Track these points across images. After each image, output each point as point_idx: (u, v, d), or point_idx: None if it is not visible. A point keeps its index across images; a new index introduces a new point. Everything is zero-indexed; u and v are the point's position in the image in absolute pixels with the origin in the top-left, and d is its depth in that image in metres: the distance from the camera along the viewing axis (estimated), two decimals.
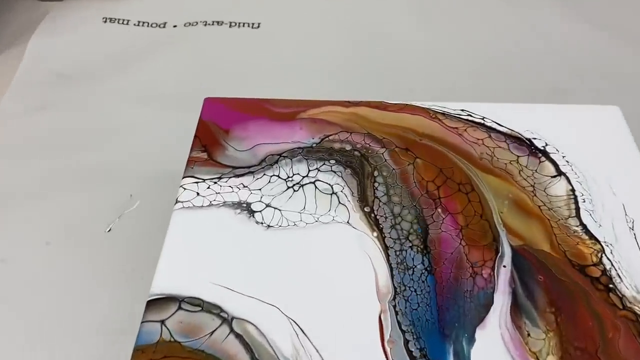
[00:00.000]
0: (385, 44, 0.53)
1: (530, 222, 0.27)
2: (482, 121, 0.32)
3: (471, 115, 0.32)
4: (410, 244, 0.27)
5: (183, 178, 0.30)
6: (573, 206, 0.28)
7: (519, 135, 0.31)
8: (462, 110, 0.33)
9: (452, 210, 0.28)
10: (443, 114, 0.33)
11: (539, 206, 0.28)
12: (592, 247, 0.26)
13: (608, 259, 0.26)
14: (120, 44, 0.55)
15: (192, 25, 0.56)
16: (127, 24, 0.56)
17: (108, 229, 0.39)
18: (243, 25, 0.56)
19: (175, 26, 0.56)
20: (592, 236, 0.27)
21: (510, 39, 0.53)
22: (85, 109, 0.48)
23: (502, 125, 0.32)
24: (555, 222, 0.27)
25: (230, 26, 0.56)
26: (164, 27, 0.56)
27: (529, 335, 0.23)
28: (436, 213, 0.28)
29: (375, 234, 0.27)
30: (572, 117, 0.32)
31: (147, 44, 0.55)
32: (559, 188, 0.29)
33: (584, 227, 0.27)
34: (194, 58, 0.53)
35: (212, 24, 0.56)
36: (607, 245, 0.26)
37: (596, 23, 0.53)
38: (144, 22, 0.56)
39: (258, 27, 0.56)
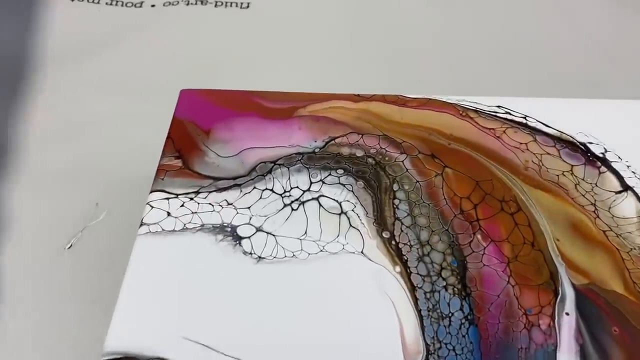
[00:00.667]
0: (392, 27, 0.47)
1: (595, 252, 0.21)
2: (524, 120, 0.26)
3: (510, 113, 0.26)
4: (445, 283, 0.21)
5: (150, 192, 0.24)
6: None
7: (571, 139, 0.25)
8: (499, 106, 0.27)
9: (496, 236, 0.22)
10: (475, 111, 0.26)
11: (604, 231, 0.22)
12: None
13: None
14: (90, 26, 0.47)
15: (173, 4, 0.49)
16: (98, 2, 0.49)
17: (68, 246, 0.33)
18: (230, 5, 0.49)
19: (153, 5, 0.49)
20: None
21: (537, 24, 0.47)
22: (46, 101, 0.41)
23: (549, 126, 0.26)
24: (626, 253, 0.21)
25: (215, 5, 0.49)
26: (140, 6, 0.49)
27: None
28: (475, 240, 0.22)
29: (398, 268, 0.21)
30: (631, 116, 0.26)
31: (121, 26, 0.48)
32: (627, 207, 0.23)
33: None
34: (174, 42, 0.46)
35: (195, 3, 0.49)
36: None
37: (638, 6, 0.47)
38: (117, 1, 0.49)
39: (247, 6, 0.49)
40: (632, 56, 0.43)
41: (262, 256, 0.21)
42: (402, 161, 0.24)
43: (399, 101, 0.27)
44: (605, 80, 0.43)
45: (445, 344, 0.19)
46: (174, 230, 0.22)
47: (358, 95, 0.27)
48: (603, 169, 0.24)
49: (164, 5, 0.49)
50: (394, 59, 0.43)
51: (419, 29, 0.46)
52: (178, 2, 0.49)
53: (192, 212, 0.23)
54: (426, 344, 0.19)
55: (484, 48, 0.45)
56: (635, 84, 0.42)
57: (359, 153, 0.25)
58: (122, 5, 0.49)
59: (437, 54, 0.44)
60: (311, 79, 0.41)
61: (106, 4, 0.49)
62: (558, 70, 0.43)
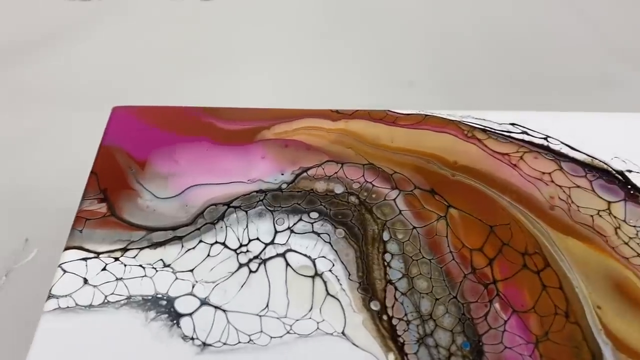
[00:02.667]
0: (375, 19, 0.41)
1: None
2: (546, 142, 0.21)
3: (527, 133, 0.21)
4: None
5: (64, 250, 0.18)
6: None
7: (606, 166, 0.20)
8: (513, 124, 0.21)
9: (518, 305, 0.17)
10: (484, 130, 0.21)
11: None
12: None
13: None
14: (33, 22, 0.41)
15: None
16: None
17: None
18: None
19: None
20: None
21: (543, 15, 0.41)
22: None
23: (576, 150, 0.20)
24: None
25: None
26: None
27: None
28: (492, 312, 0.17)
29: (391, 356, 0.16)
30: None
31: (68, 21, 0.41)
32: None
33: None
34: (126, 40, 0.40)
35: None
36: None
37: None
38: None
39: None
40: None
41: (208, 342, 0.16)
42: (394, 199, 0.19)
43: (388, 118, 0.22)
44: (621, 79, 0.38)
45: None
46: (90, 306, 0.16)
47: (337, 111, 0.22)
48: None
49: None
50: (379, 60, 0.38)
51: (405, 25, 0.40)
52: None
53: (117, 279, 0.17)
54: None
55: (483, 44, 0.39)
56: None
57: (339, 189, 0.19)
58: None
59: (432, 51, 0.38)
60: (278, 84, 0.36)
61: None
62: (571, 68, 0.38)
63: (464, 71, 0.38)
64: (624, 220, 0.19)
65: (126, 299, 0.17)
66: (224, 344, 0.16)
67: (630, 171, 0.20)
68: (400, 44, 0.39)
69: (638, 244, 0.18)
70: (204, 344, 0.16)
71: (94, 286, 0.17)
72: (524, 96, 0.37)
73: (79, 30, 0.40)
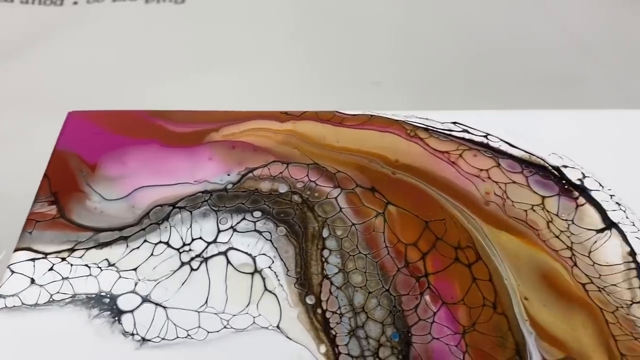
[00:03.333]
0: (343, 22, 0.42)
1: (573, 314, 0.17)
2: (486, 139, 0.21)
3: (468, 131, 0.22)
4: None
5: (14, 252, 0.18)
6: (636, 283, 0.18)
7: (543, 162, 0.21)
8: (455, 122, 0.22)
9: (448, 297, 0.17)
10: (426, 129, 0.22)
11: (584, 285, 0.18)
12: None
13: None
14: (2, 29, 0.42)
15: (98, 1, 0.43)
16: (12, 1, 0.43)
17: None
18: (164, 0, 0.43)
19: (75, 3, 0.43)
20: None
21: (510, 15, 0.42)
22: None
23: (515, 147, 0.21)
24: (611, 314, 0.17)
25: (146, 1, 0.43)
26: (61, 4, 0.43)
27: None
28: (422, 304, 0.17)
29: (323, 348, 0.16)
30: (616, 130, 0.22)
31: (38, 27, 0.42)
32: (611, 250, 0.18)
33: None
34: (98, 45, 0.41)
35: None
36: None
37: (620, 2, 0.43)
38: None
39: (183, 1, 0.43)
40: (615, 52, 0.39)
41: (147, 338, 0.16)
42: (336, 197, 0.20)
43: (335, 119, 0.22)
44: (587, 77, 0.38)
45: None
46: (36, 305, 0.17)
47: (286, 112, 0.22)
48: (581, 200, 0.20)
49: (87, 2, 0.43)
50: (346, 61, 0.38)
51: (373, 27, 0.41)
52: None
53: (63, 278, 0.18)
54: None
55: (450, 43, 0.40)
56: (617, 81, 0.38)
57: (283, 189, 0.20)
58: (39, 4, 0.43)
59: (398, 51, 0.39)
60: (250, 86, 0.36)
61: (21, 2, 0.43)
62: (537, 66, 0.38)
63: (431, 71, 0.38)
64: (557, 214, 0.19)
65: (71, 297, 0.17)
66: (163, 339, 0.16)
67: (566, 167, 0.20)
68: (368, 44, 0.39)
69: (568, 236, 0.19)
70: (143, 339, 0.16)
71: (41, 286, 0.17)
72: (490, 95, 0.38)
73: (51, 35, 0.40)
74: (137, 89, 0.36)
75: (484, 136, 0.21)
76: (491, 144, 0.21)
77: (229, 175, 0.20)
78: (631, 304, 0.17)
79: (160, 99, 0.35)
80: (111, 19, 0.42)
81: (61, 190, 0.20)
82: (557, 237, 0.19)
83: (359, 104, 0.32)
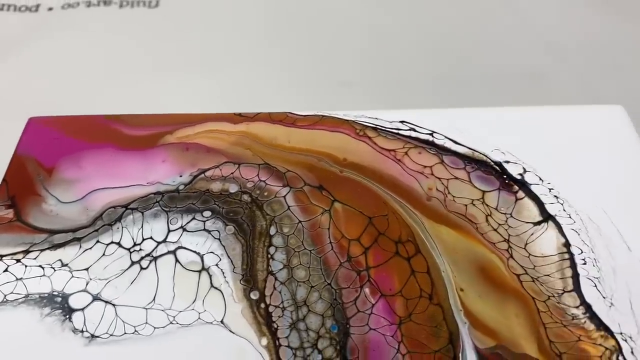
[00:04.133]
0: (314, 23, 0.42)
1: (506, 305, 0.18)
2: (431, 137, 0.22)
3: (415, 130, 0.22)
4: (320, 357, 0.17)
5: None
6: (569, 273, 0.18)
7: (485, 158, 0.21)
8: (403, 122, 0.23)
9: (386, 289, 0.18)
10: (375, 129, 0.22)
11: (518, 275, 0.18)
12: (602, 345, 0.17)
13: None
14: None
15: (72, 6, 0.44)
16: None
17: None
18: (138, 4, 0.44)
19: (50, 9, 0.44)
20: (600, 324, 0.17)
21: (475, 13, 0.43)
22: None
23: (459, 144, 0.22)
24: (542, 303, 0.18)
25: (120, 6, 0.44)
26: (36, 10, 0.44)
27: None
28: (362, 296, 0.18)
29: (264, 341, 0.17)
30: (560, 125, 0.23)
31: (13, 33, 0.42)
32: (546, 242, 0.19)
33: (588, 308, 0.18)
34: (73, 50, 0.41)
35: (98, 4, 0.44)
36: (626, 339, 0.17)
37: None
38: (9, 6, 0.44)
39: (157, 5, 0.44)
40: (578, 49, 0.40)
41: (96, 334, 0.17)
42: (284, 196, 0.20)
43: (288, 120, 0.23)
44: (548, 73, 0.39)
45: None
46: None
47: (239, 114, 0.23)
48: (521, 194, 0.20)
49: (62, 8, 0.44)
50: (315, 62, 0.39)
51: (342, 26, 0.41)
52: (78, 4, 0.44)
53: (17, 279, 0.18)
54: None
55: (417, 42, 0.41)
56: (580, 76, 0.39)
57: (233, 188, 0.21)
58: (14, 10, 0.44)
59: (365, 52, 0.40)
60: (221, 88, 0.37)
61: None
62: (504, 64, 0.39)
63: (398, 70, 0.39)
64: (496, 208, 0.20)
65: (24, 297, 0.18)
66: (111, 335, 0.17)
67: (507, 162, 0.21)
68: (336, 46, 0.40)
69: (506, 229, 0.19)
70: (92, 336, 0.17)
71: None
72: (456, 92, 0.38)
73: (26, 41, 0.41)
74: (106, 93, 0.36)
75: (430, 134, 0.22)
76: (436, 141, 0.22)
77: (181, 176, 0.21)
78: (562, 293, 0.18)
79: (128, 103, 0.35)
80: (86, 24, 0.43)
81: (18, 194, 0.20)
82: (495, 230, 0.19)
83: (326, 104, 0.33)
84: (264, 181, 0.21)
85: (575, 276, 0.18)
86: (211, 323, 0.17)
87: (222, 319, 0.17)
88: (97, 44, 0.41)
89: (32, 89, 0.38)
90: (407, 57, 0.40)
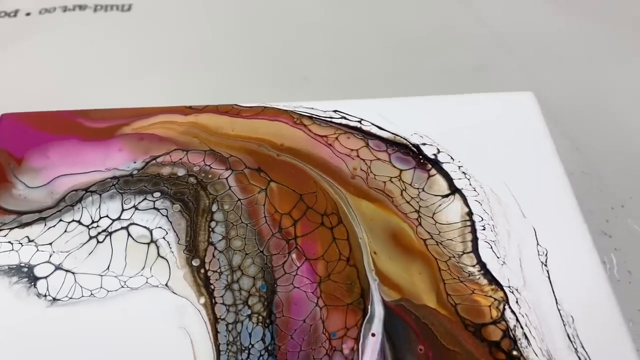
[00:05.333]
0: (278, 25, 0.45)
1: (412, 265, 0.21)
2: (360, 125, 0.25)
3: (346, 118, 0.25)
4: (250, 312, 0.20)
5: None
6: (469, 237, 0.21)
7: (405, 141, 0.24)
8: (335, 111, 0.25)
9: (311, 254, 0.21)
10: (310, 117, 0.25)
11: (425, 240, 0.21)
12: (492, 296, 0.20)
13: (513, 311, 0.19)
14: None
15: (49, 11, 0.46)
16: None
17: None
18: (111, 8, 0.46)
19: (28, 14, 0.46)
20: (492, 279, 0.20)
21: (429, 13, 0.45)
22: None
23: (383, 129, 0.25)
24: (444, 262, 0.21)
25: (95, 10, 0.46)
26: (15, 15, 0.46)
27: None
28: (289, 261, 0.21)
29: (202, 300, 0.20)
30: (472, 111, 0.25)
31: None
32: (452, 212, 0.22)
33: (483, 266, 0.20)
34: (50, 52, 0.44)
35: (73, 9, 0.46)
36: (512, 292, 0.20)
37: None
38: None
39: (129, 9, 0.46)
40: (524, 41, 0.43)
41: (57, 297, 0.20)
42: (226, 178, 0.23)
43: (233, 111, 0.26)
44: (494, 65, 0.42)
45: None
46: None
47: (190, 107, 0.26)
48: (433, 171, 0.23)
49: (39, 13, 0.46)
50: (275, 58, 0.42)
51: (302, 26, 0.44)
52: (55, 9, 0.47)
53: None
54: None
55: (371, 38, 0.44)
56: (524, 68, 0.41)
57: (181, 172, 0.23)
58: None
59: (324, 47, 0.43)
60: (194, 87, 0.40)
61: None
62: (453, 56, 0.42)
63: (355, 65, 0.42)
64: (410, 184, 0.23)
65: None
66: (70, 298, 0.20)
67: (424, 144, 0.24)
68: (295, 43, 0.43)
69: (417, 202, 0.22)
70: (54, 299, 0.20)
71: None
72: (410, 86, 0.41)
73: (6, 45, 0.44)
74: (81, 93, 0.39)
75: (359, 121, 0.25)
76: (363, 127, 0.25)
77: (135, 162, 0.24)
78: (462, 254, 0.21)
79: (101, 101, 0.38)
80: (62, 28, 0.45)
81: None
82: (408, 202, 0.22)
83: (286, 97, 0.35)
84: (209, 165, 0.23)
85: (475, 240, 0.21)
86: (157, 286, 0.20)
87: (167, 283, 0.20)
88: (73, 46, 0.44)
89: (10, 88, 0.41)
90: (363, 53, 0.43)
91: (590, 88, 0.40)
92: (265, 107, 0.26)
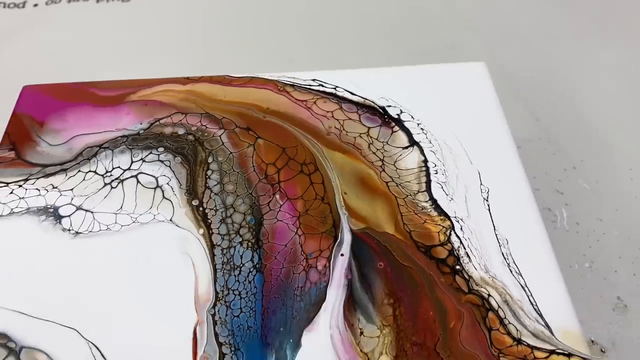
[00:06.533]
0: (263, 9, 0.49)
1: (376, 201, 0.25)
2: (335, 91, 0.29)
3: (323, 85, 0.29)
4: (241, 239, 0.23)
5: None
6: (424, 179, 0.25)
7: (373, 104, 0.28)
8: (314, 80, 0.29)
9: (292, 195, 0.25)
10: (292, 85, 0.29)
11: (387, 182, 0.25)
12: (440, 224, 0.24)
13: (457, 236, 0.23)
14: None
15: (55, 2, 0.50)
16: None
17: None
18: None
19: (36, 5, 0.50)
20: (441, 211, 0.24)
21: None
22: None
23: (355, 94, 0.29)
24: (402, 199, 0.25)
25: (97, 1, 0.50)
26: (23, 6, 0.50)
27: (362, 333, 0.21)
28: (273, 200, 0.25)
29: (201, 231, 0.24)
30: (431, 78, 0.29)
31: (3, 27, 0.49)
32: (411, 160, 0.26)
33: (434, 202, 0.25)
34: (56, 41, 0.48)
35: (77, 0, 0.50)
36: (458, 221, 0.24)
37: None
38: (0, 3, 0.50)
39: (129, 0, 0.50)
40: (490, 22, 0.47)
41: (79, 231, 0.24)
42: (220, 136, 0.27)
43: (225, 81, 0.30)
44: (462, 44, 0.46)
45: (233, 290, 0.22)
46: (1, 216, 0.24)
47: (187, 77, 0.30)
48: (396, 128, 0.27)
49: (46, 4, 0.50)
50: (261, 42, 0.46)
51: (285, 12, 0.48)
52: (60, 0, 0.50)
53: (20, 198, 0.25)
54: (216, 292, 0.22)
55: (352, 21, 0.48)
56: (488, 45, 0.46)
57: (181, 131, 0.27)
58: (3, 7, 0.50)
59: (303, 32, 0.47)
60: (190, 64, 0.44)
61: None
62: (418, 34, 0.46)
63: (336, 49, 0.46)
64: (376, 139, 0.27)
65: (26, 210, 0.24)
66: (90, 231, 0.24)
67: (389, 106, 0.28)
68: (282, 27, 0.47)
69: (382, 153, 0.26)
70: (77, 233, 0.24)
71: (3, 204, 0.25)
72: (382, 59, 0.45)
73: (16, 34, 0.47)
74: (86, 77, 0.43)
75: (334, 88, 0.29)
76: (338, 93, 0.29)
77: (141, 124, 0.27)
78: (417, 193, 0.25)
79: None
80: (67, 18, 0.49)
81: (18, 141, 0.27)
82: (374, 153, 0.26)
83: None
84: (204, 125, 0.27)
85: (428, 182, 0.25)
86: (163, 221, 0.24)
87: (171, 218, 0.24)
88: (77, 35, 0.48)
89: (21, 74, 0.45)
90: (342, 38, 0.47)
91: (549, 64, 0.45)
92: (253, 77, 0.30)
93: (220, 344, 0.21)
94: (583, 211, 0.36)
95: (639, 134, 0.40)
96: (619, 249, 0.34)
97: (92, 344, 0.21)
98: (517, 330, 0.21)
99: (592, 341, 0.30)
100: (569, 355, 0.20)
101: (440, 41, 0.46)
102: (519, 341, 0.20)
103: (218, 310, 0.21)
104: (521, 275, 0.22)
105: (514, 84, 0.43)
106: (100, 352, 0.20)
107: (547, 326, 0.21)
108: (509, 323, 0.21)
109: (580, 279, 0.33)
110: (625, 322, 0.31)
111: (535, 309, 0.21)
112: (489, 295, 0.22)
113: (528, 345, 0.20)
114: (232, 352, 0.20)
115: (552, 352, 0.20)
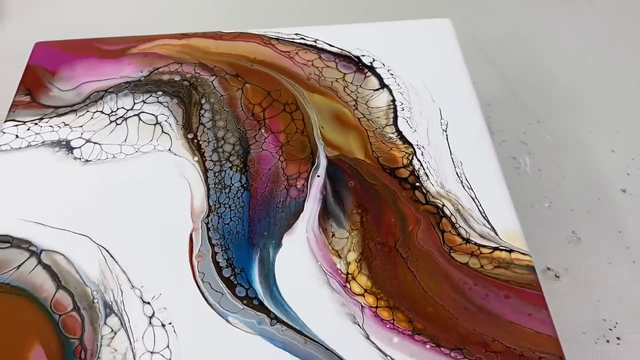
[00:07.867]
0: None
1: (349, 134, 0.28)
2: (315, 43, 0.32)
3: (304, 39, 0.32)
4: (230, 165, 0.27)
5: (4, 122, 0.29)
6: (392, 115, 0.29)
7: (348, 54, 0.32)
8: (296, 34, 0.33)
9: (275, 129, 0.28)
10: (277, 39, 0.32)
11: (359, 118, 0.29)
12: (404, 151, 0.27)
13: (418, 160, 0.27)
14: None
15: None
16: None
17: None
18: None
19: None
20: (405, 141, 0.28)
21: None
22: None
23: (333, 46, 0.32)
24: (372, 132, 0.28)
25: None
26: None
27: (333, 235, 0.24)
28: (259, 134, 0.28)
29: (196, 158, 0.27)
30: (402, 32, 0.33)
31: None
32: (381, 100, 0.30)
33: (399, 133, 0.28)
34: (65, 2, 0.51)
35: None
36: (419, 148, 0.27)
37: None
38: None
39: None
40: None
41: (89, 159, 0.27)
42: (212, 81, 0.30)
43: (216, 36, 0.33)
44: (438, 10, 0.49)
45: (224, 204, 0.25)
46: (20, 148, 0.28)
47: (183, 34, 0.33)
48: (368, 74, 0.31)
49: None
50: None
51: None
52: None
53: (36, 134, 0.28)
54: (209, 205, 0.25)
55: None
56: (462, 13, 0.49)
57: (177, 78, 0.31)
58: None
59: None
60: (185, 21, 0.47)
61: None
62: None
63: (318, 6, 0.49)
64: (351, 82, 0.30)
65: (41, 143, 0.28)
66: (99, 159, 0.27)
67: (363, 55, 0.31)
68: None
69: (355, 94, 0.30)
70: (87, 161, 0.27)
71: (22, 138, 0.28)
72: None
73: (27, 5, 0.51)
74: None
75: (314, 41, 0.32)
76: (317, 45, 0.32)
77: (142, 72, 0.31)
78: (385, 126, 0.28)
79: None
80: None
81: (33, 87, 0.30)
82: (349, 95, 0.30)
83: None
84: (198, 73, 0.31)
85: (395, 117, 0.29)
86: (162, 151, 0.27)
87: (169, 148, 0.28)
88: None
89: (37, 32, 0.48)
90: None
91: (516, 27, 0.48)
92: (241, 32, 0.33)
93: (212, 245, 0.24)
94: (545, 159, 0.40)
95: (598, 92, 0.44)
96: (575, 191, 0.38)
97: (102, 247, 0.24)
98: (467, 232, 0.24)
99: (548, 268, 0.34)
100: (510, 251, 0.24)
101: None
102: (467, 240, 0.24)
103: (211, 220, 0.25)
104: (472, 189, 0.26)
105: (481, 44, 0.46)
106: (110, 253, 0.24)
107: (493, 229, 0.24)
108: (460, 227, 0.24)
109: (540, 217, 0.36)
110: (577, 251, 0.35)
111: (483, 216, 0.25)
112: (443, 205, 0.25)
113: (475, 243, 0.24)
114: (223, 251, 0.24)
115: (495, 248, 0.24)
